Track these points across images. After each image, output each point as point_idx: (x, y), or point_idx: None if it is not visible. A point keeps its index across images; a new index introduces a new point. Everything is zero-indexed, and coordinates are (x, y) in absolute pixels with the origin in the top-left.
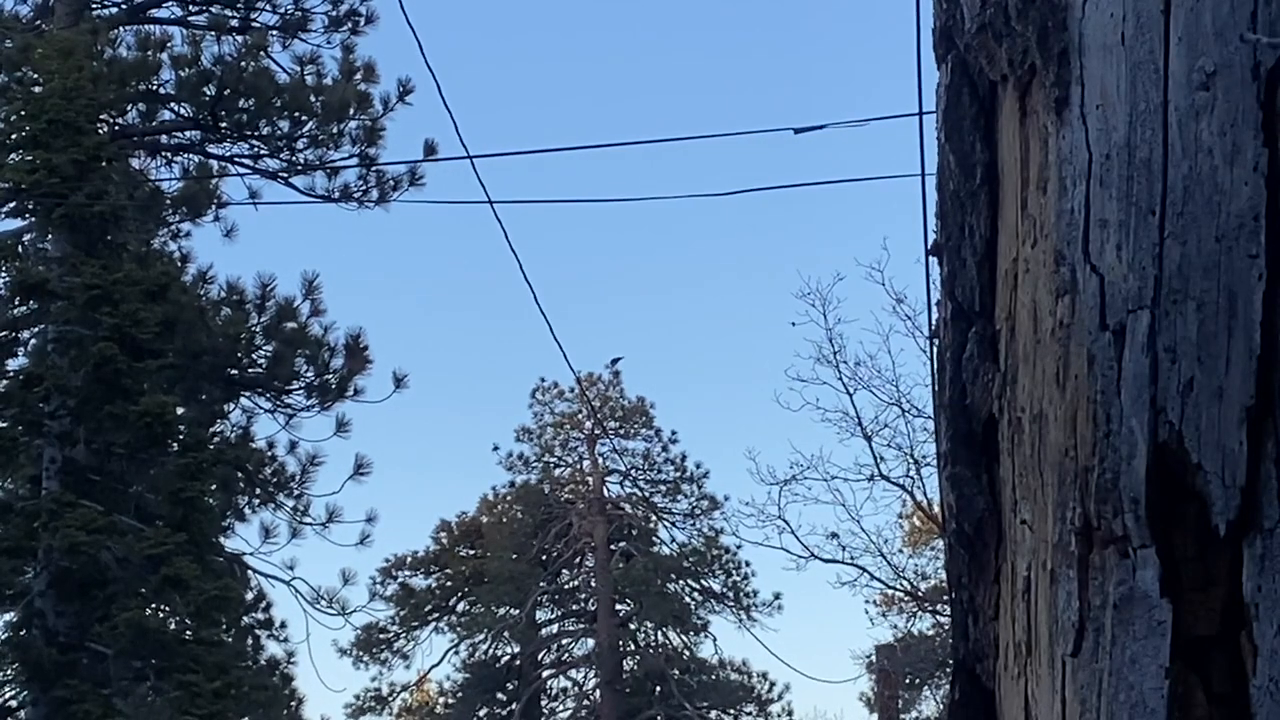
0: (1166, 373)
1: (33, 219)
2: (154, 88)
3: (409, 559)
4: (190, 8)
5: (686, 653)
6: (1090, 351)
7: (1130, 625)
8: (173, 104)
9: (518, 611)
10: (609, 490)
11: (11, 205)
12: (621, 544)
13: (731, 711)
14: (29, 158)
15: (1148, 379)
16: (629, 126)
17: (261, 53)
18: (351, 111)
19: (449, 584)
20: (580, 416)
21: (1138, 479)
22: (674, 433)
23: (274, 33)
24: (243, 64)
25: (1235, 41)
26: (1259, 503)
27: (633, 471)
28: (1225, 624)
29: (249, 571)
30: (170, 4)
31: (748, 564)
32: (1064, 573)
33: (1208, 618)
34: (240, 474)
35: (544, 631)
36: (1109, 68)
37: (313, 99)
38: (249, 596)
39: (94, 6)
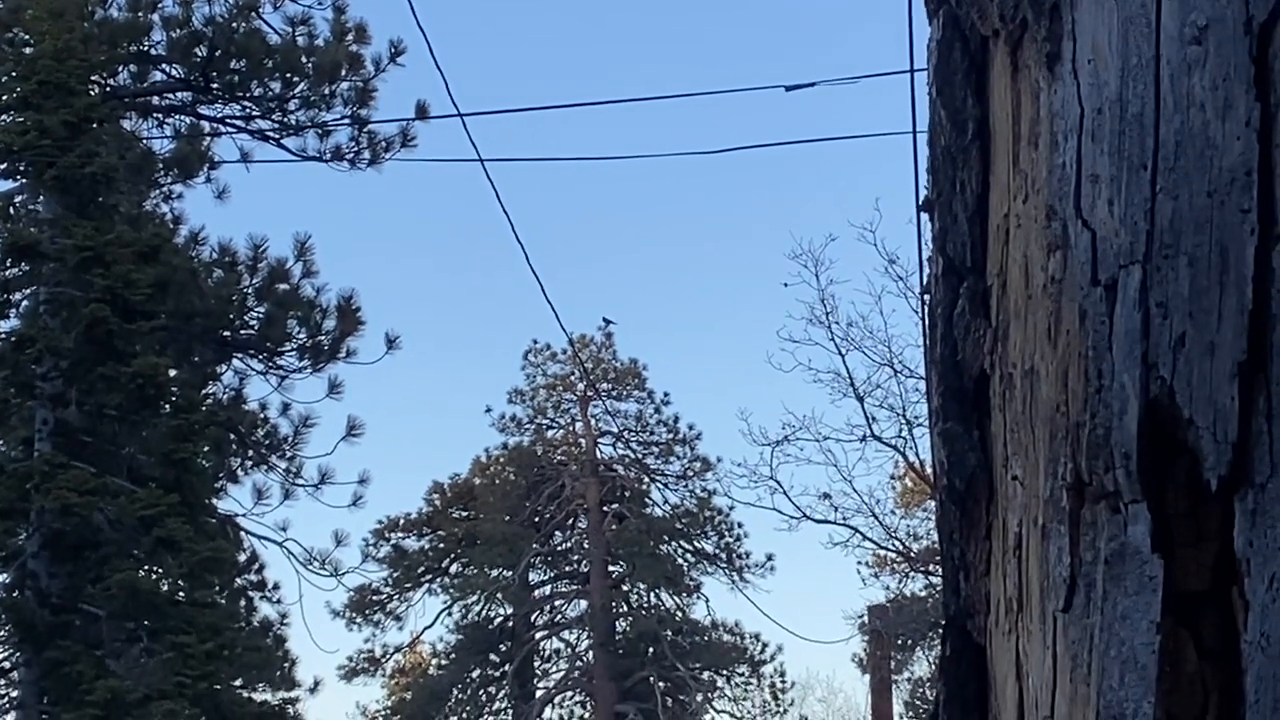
0: (1158, 328)
1: (24, 180)
2: (145, 49)
3: (402, 520)
4: None
5: (679, 614)
6: (1082, 307)
7: (1121, 581)
8: (164, 65)
9: (510, 573)
10: (601, 452)
11: (3, 167)
12: (614, 505)
13: (724, 672)
14: (20, 119)
15: (1139, 334)
16: (621, 85)
17: (253, 14)
18: (343, 72)
19: (442, 546)
20: (573, 378)
21: (1129, 434)
22: (666, 394)
23: None
24: (234, 25)
25: None
26: (1250, 457)
27: (625, 433)
28: (1216, 579)
29: (242, 533)
30: None
31: (740, 525)
32: (1055, 528)
33: (1199, 573)
34: (233, 436)
35: (537, 593)
36: (1100, 22)
37: (304, 60)
38: (242, 558)
39: None
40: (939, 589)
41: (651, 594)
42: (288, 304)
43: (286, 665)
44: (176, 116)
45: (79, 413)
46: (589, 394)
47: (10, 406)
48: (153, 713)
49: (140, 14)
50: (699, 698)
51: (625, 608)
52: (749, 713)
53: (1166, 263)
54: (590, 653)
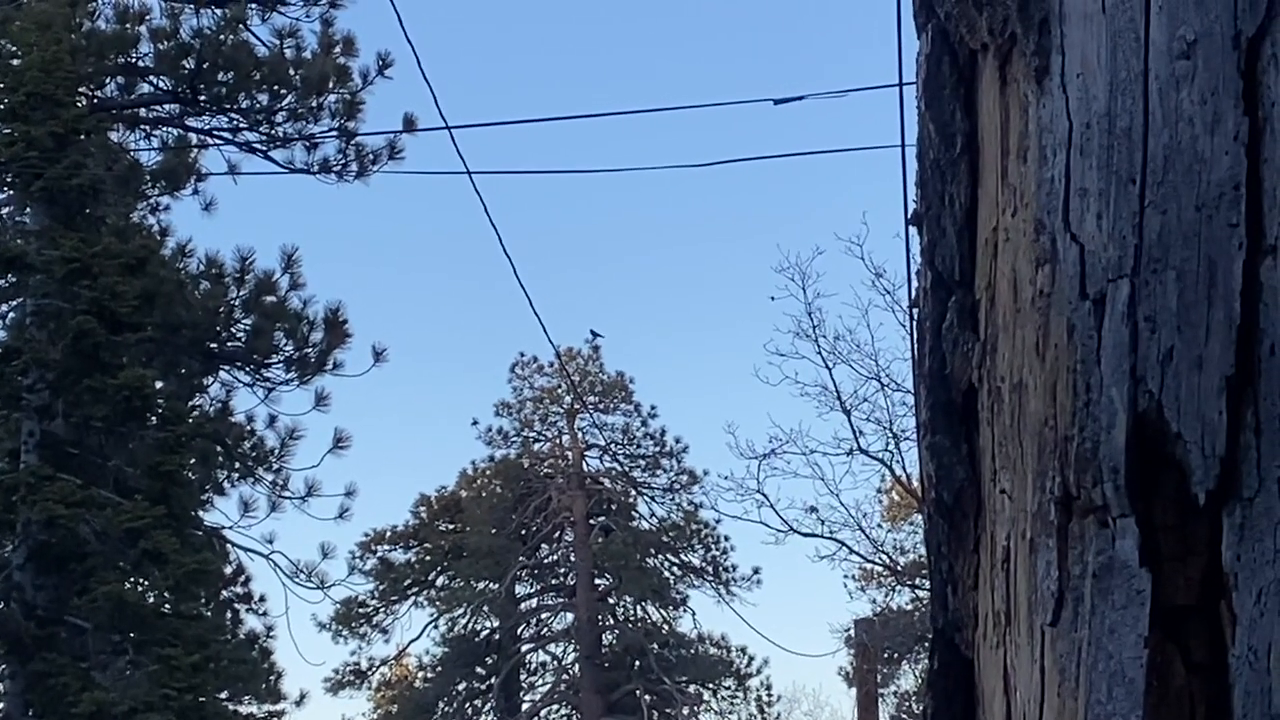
0: (1146, 342)
1: (11, 192)
2: (133, 61)
3: (388, 533)
4: None
5: (665, 627)
6: (1070, 321)
7: (1109, 595)
8: (151, 77)
9: (497, 586)
10: (588, 465)
11: None
12: (601, 518)
13: (711, 685)
14: (7, 130)
15: (1127, 348)
16: (609, 98)
17: (240, 26)
18: (331, 85)
19: (428, 558)
20: (560, 391)
21: (1117, 448)
22: (653, 407)
23: (253, 6)
24: (222, 37)
25: (1216, 10)
26: (1238, 472)
27: (612, 446)
28: (1204, 593)
29: (228, 545)
30: None
31: (727, 538)
32: (1043, 542)
33: (1187, 587)
34: (219, 448)
35: (523, 606)
36: (1089, 36)
37: (292, 72)
38: (228, 570)
39: None
40: (926, 602)
41: (638, 607)
42: (275, 316)
43: (272, 678)
44: (164, 128)
45: (65, 424)
46: (576, 407)
47: None
48: None
49: (128, 26)
50: (685, 711)
51: (611, 621)
52: None
53: (1155, 277)
54: (576, 666)
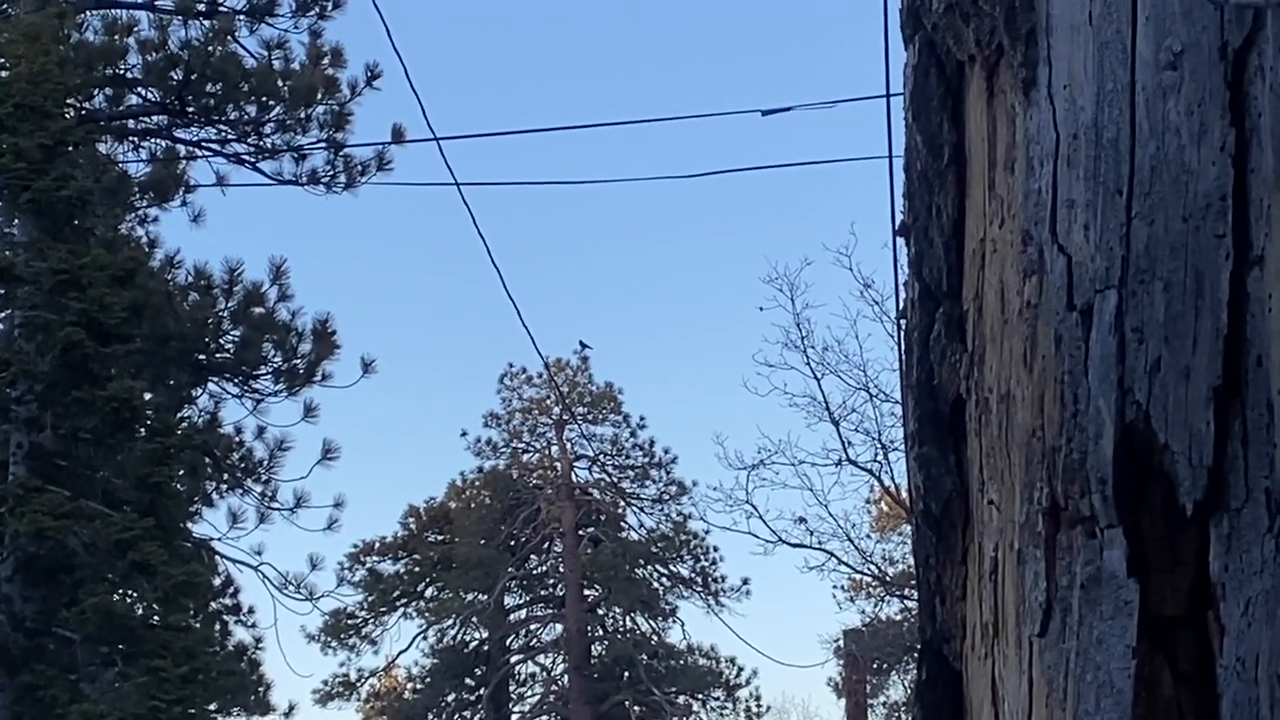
0: (1134, 353)
1: None
2: (121, 72)
3: (377, 544)
4: None
5: (655, 638)
6: (1057, 331)
7: (1097, 605)
8: (140, 88)
9: (486, 597)
10: (577, 476)
11: None
12: (590, 529)
13: (700, 696)
14: None
15: (1115, 359)
16: (597, 109)
17: (228, 37)
18: (319, 96)
19: (417, 569)
20: (548, 402)
21: (1105, 459)
22: (642, 418)
23: (241, 17)
24: (210, 48)
25: (1203, 21)
26: (1226, 482)
27: (601, 457)
28: (1192, 604)
29: (217, 557)
30: None
31: (716, 549)
32: (1031, 553)
33: (1175, 598)
34: (208, 459)
35: (512, 617)
36: (1076, 48)
37: (280, 83)
38: (217, 582)
39: None
40: (915, 613)
41: (627, 618)
42: (263, 327)
43: (261, 689)
44: (152, 140)
45: (54, 436)
46: (564, 418)
47: None
48: None
49: (116, 37)
50: None
51: (601, 631)
52: None
53: (1142, 288)
54: (566, 677)
